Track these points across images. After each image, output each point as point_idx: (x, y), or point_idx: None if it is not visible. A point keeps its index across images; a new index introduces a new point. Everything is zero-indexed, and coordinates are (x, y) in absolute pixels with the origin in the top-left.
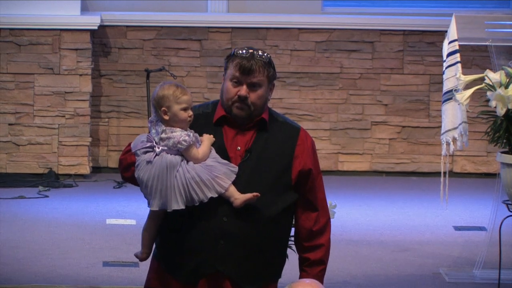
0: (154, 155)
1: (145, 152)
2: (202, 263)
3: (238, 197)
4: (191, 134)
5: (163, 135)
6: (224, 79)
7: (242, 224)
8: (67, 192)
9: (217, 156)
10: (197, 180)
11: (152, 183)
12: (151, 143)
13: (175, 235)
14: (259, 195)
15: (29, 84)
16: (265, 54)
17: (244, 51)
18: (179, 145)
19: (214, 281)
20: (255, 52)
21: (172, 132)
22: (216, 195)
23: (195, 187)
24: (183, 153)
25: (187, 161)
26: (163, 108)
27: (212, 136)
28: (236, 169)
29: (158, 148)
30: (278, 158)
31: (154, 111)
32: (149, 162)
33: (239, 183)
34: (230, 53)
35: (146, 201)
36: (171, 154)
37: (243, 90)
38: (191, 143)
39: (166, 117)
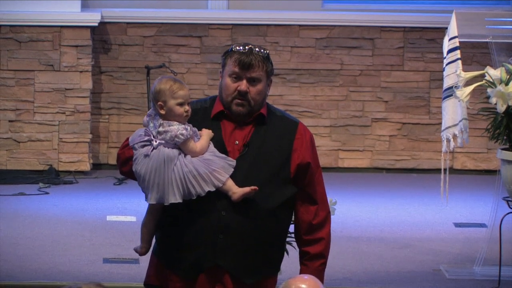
0: (152, 148)
1: (143, 146)
2: (201, 257)
3: (236, 191)
4: (189, 128)
5: (161, 129)
6: (221, 76)
7: (241, 218)
8: (67, 189)
9: (215, 150)
10: (195, 174)
11: (150, 176)
12: (148, 137)
13: (174, 230)
14: (257, 188)
15: (30, 80)
16: (263, 50)
17: (242, 47)
18: (176, 139)
19: (213, 275)
20: (253, 48)
21: (169, 126)
22: (214, 189)
23: (193, 181)
24: (181, 146)
25: (185, 155)
26: (159, 103)
27: (211, 131)
28: (234, 163)
29: (156, 141)
30: (277, 152)
31: (152, 105)
32: (146, 155)
33: (237, 177)
34: (228, 50)
35: (144, 195)
36: (168, 148)
37: (243, 85)
38: (189, 136)
39: (162, 112)
